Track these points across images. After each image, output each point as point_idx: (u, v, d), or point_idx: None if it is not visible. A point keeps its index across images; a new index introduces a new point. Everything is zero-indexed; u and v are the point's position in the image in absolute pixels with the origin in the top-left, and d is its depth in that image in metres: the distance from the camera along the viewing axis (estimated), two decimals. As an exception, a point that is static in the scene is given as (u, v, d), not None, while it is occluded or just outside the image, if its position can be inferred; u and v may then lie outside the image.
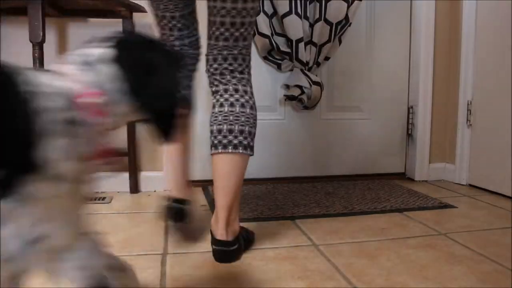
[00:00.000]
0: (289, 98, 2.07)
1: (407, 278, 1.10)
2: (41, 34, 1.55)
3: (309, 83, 2.02)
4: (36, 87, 0.56)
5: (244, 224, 1.51)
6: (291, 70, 2.10)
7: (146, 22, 1.96)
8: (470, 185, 2.16)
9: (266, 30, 2.00)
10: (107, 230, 1.44)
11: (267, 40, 2.00)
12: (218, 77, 1.24)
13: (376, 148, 2.31)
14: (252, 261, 1.20)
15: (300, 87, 2.03)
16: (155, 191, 2.01)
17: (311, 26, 2.00)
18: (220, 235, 1.18)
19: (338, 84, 2.25)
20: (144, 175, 2.00)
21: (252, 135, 1.20)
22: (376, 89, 2.29)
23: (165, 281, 1.07)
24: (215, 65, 1.24)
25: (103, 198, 1.84)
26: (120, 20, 1.87)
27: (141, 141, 1.99)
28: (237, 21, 1.18)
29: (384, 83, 2.29)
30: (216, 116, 1.21)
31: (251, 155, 1.20)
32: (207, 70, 1.27)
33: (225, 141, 1.17)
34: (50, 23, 1.85)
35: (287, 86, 2.10)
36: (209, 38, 1.24)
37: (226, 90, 1.23)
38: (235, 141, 1.17)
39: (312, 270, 1.13)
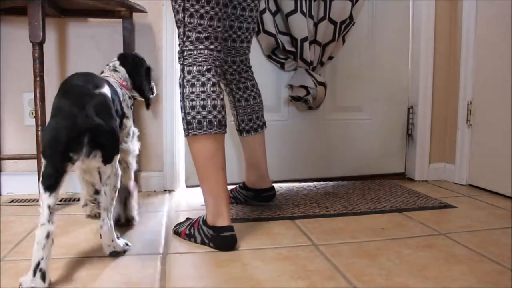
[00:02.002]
0: (294, 99, 2.04)
1: (407, 278, 1.10)
2: (41, 34, 1.55)
3: (314, 83, 1.99)
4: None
5: (244, 224, 1.51)
6: (295, 69, 2.08)
7: (145, 22, 1.96)
8: (470, 185, 2.16)
9: (272, 28, 1.96)
10: (107, 230, 1.44)
11: (272, 39, 1.96)
12: (240, 75, 1.62)
13: (376, 148, 2.31)
14: (252, 261, 1.20)
15: (305, 87, 2.00)
16: (154, 191, 2.01)
17: (315, 25, 1.98)
18: (269, 183, 1.70)
19: (341, 84, 2.24)
20: (144, 175, 2.00)
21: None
22: (376, 89, 2.29)
23: (165, 281, 1.07)
24: (235, 66, 1.61)
25: (103, 198, 1.84)
26: (120, 20, 1.87)
27: (141, 141, 1.99)
28: (250, 27, 1.59)
29: (384, 83, 2.29)
30: (245, 109, 1.64)
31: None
32: (227, 70, 1.61)
33: (255, 126, 1.64)
34: (50, 23, 1.86)
35: (291, 87, 2.08)
36: (233, 41, 1.58)
37: (247, 87, 1.63)
38: (260, 123, 1.66)
39: (312, 270, 1.13)
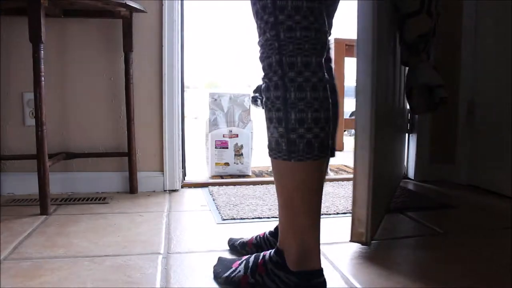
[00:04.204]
0: (442, 101, 1.64)
1: (406, 278, 1.10)
2: (41, 34, 1.55)
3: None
4: None
5: (244, 225, 1.51)
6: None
7: (145, 22, 1.96)
8: (470, 185, 2.16)
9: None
10: (107, 230, 1.44)
11: (430, 22, 1.44)
12: None
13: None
14: (252, 261, 1.19)
15: (442, 86, 1.60)
16: (154, 191, 2.01)
17: None
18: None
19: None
20: (144, 175, 2.00)
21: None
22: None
23: (165, 281, 1.07)
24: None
25: (103, 198, 1.84)
26: (120, 20, 1.88)
27: (141, 141, 1.99)
28: None
29: (384, 83, 2.28)
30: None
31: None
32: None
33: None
34: (50, 23, 1.86)
35: (410, 90, 1.58)
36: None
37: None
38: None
39: (312, 270, 1.13)
